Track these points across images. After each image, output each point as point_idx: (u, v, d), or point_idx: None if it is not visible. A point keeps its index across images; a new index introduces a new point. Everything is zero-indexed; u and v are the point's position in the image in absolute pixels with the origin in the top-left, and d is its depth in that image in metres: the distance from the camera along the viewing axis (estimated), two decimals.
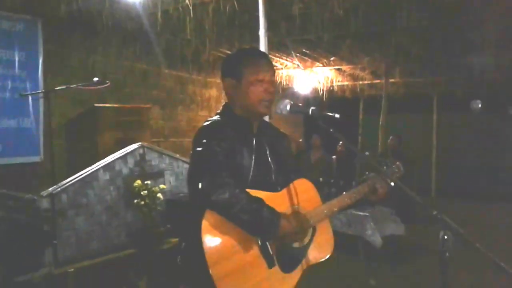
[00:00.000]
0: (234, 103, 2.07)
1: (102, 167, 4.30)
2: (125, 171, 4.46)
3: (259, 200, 1.82)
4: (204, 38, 6.43)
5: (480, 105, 2.83)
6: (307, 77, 8.66)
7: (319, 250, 2.12)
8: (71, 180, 4.09)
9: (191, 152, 1.96)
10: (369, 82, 9.31)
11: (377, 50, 7.22)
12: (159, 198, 4.48)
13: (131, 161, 4.52)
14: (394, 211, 5.95)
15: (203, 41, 6.59)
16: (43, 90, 4.93)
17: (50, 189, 3.96)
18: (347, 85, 9.56)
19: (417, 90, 9.54)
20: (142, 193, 4.38)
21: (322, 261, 2.16)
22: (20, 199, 3.94)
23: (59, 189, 3.98)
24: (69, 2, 5.19)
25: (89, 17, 5.49)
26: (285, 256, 1.95)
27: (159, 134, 7.73)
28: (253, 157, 2.00)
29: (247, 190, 1.84)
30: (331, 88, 9.21)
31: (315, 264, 2.12)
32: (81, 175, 4.17)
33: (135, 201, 4.39)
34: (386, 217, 5.82)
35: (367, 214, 5.54)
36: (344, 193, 2.18)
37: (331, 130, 1.95)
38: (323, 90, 9.17)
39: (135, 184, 4.40)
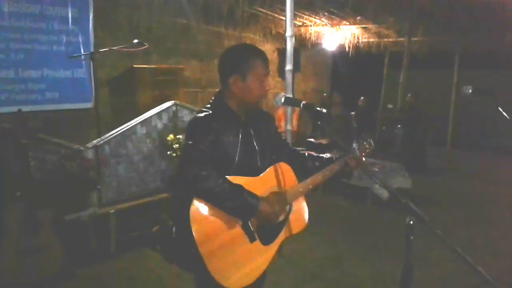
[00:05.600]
0: (232, 97, 2.07)
1: (139, 122, 4.41)
2: (159, 126, 4.57)
3: (240, 187, 1.89)
4: None
5: (470, 91, 2.65)
6: (334, 34, 8.37)
7: (294, 224, 2.17)
8: (112, 134, 4.24)
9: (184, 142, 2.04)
10: (393, 39, 8.91)
11: (401, 11, 6.85)
12: None
13: (165, 117, 4.61)
14: (403, 166, 5.91)
15: None
16: (89, 52, 5.01)
17: (94, 141, 4.13)
18: (372, 41, 9.18)
19: (440, 48, 9.05)
20: (174, 146, 4.51)
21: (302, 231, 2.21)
22: (70, 148, 4.14)
23: (102, 141, 4.15)
24: None
25: None
26: (264, 231, 2.02)
27: (197, 85, 7.77)
28: (239, 146, 2.02)
29: (230, 177, 1.90)
30: (357, 44, 8.87)
31: (290, 236, 2.16)
32: (121, 129, 4.31)
33: (168, 152, 4.53)
34: (395, 171, 5.80)
35: (376, 169, 5.55)
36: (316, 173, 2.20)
37: (319, 122, 2.01)
38: (349, 47, 8.86)
39: (168, 138, 4.52)
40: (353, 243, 4.75)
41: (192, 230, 1.81)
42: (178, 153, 4.48)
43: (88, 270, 3.93)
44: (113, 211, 4.15)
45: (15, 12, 5.13)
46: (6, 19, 5.06)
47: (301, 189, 2.17)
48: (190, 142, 1.94)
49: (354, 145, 2.33)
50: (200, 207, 1.86)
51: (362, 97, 8.96)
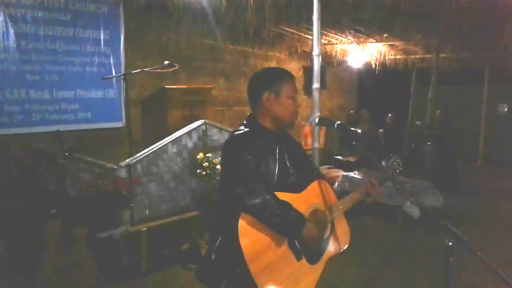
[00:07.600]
0: (265, 115, 2.11)
1: (170, 141, 4.51)
2: (190, 145, 4.66)
3: (287, 205, 1.90)
4: (264, 16, 6.40)
5: (506, 109, 2.62)
6: (360, 51, 8.41)
7: (338, 242, 2.17)
8: (144, 153, 4.34)
9: (223, 159, 2.05)
10: (421, 56, 8.90)
11: (428, 28, 6.86)
12: (218, 169, 4.67)
13: (195, 136, 4.70)
14: (433, 184, 5.83)
15: (263, 19, 6.56)
16: (121, 74, 5.16)
17: (127, 160, 4.24)
18: (399, 58, 9.17)
19: (469, 64, 8.98)
20: (204, 164, 4.57)
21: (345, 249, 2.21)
22: (104, 167, 4.25)
23: (134, 160, 4.26)
24: None
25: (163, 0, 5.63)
26: (310, 249, 2.02)
27: (224, 103, 7.90)
28: (277, 164, 2.06)
29: (276, 193, 1.90)
30: (383, 61, 8.88)
31: (335, 255, 2.16)
32: (153, 148, 4.41)
33: (198, 171, 4.60)
34: (425, 190, 5.71)
35: (406, 188, 5.48)
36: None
37: (353, 143, 2.05)
38: (375, 64, 8.87)
39: (198, 156, 4.60)
40: (383, 262, 4.68)
41: (241, 246, 1.80)
42: (208, 171, 4.55)
43: (120, 287, 3.98)
44: (144, 229, 4.22)
45: (50, 35, 5.32)
46: (42, 42, 5.26)
47: (341, 207, 2.19)
48: (233, 157, 1.95)
49: (383, 163, 2.34)
50: (247, 223, 1.85)
51: (389, 114, 8.90)
